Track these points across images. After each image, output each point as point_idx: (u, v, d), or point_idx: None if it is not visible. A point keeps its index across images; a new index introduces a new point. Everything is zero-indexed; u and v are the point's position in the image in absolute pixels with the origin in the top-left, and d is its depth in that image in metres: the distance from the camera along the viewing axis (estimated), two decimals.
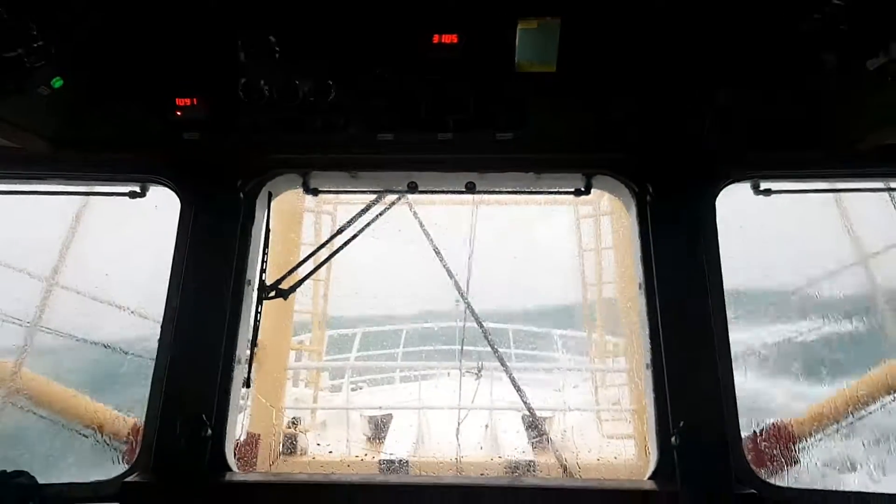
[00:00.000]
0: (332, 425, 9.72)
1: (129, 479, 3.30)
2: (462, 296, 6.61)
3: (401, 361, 11.74)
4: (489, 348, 6.24)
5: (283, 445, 8.39)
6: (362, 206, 4.26)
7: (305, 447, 8.64)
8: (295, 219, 8.49)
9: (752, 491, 3.21)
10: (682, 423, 3.29)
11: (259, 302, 3.73)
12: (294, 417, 8.93)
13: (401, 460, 7.72)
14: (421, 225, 6.20)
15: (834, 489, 3.40)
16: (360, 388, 11.11)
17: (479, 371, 8.72)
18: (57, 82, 3.18)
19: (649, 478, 3.36)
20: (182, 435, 3.35)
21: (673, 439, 3.29)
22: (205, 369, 3.47)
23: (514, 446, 8.58)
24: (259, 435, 7.94)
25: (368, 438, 9.19)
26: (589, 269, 10.25)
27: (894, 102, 3.12)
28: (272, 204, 3.90)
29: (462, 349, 8.66)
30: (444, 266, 6.19)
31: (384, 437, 8.99)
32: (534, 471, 6.89)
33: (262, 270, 3.78)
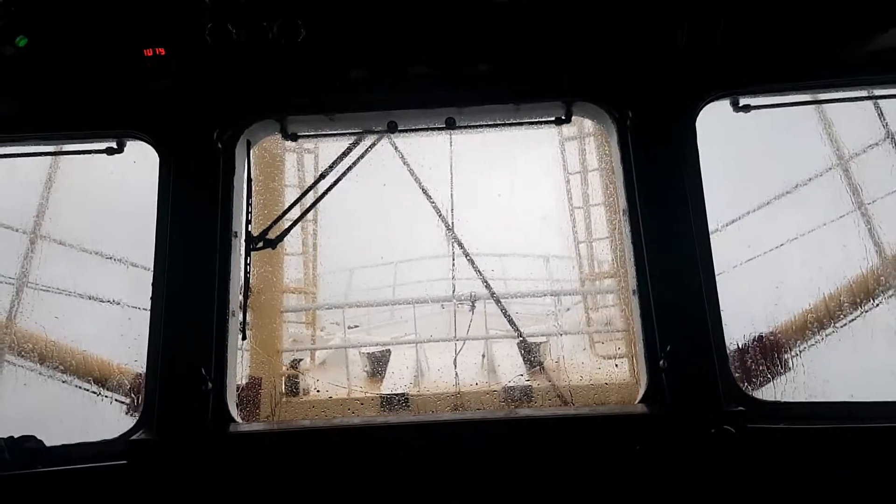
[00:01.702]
0: (332, 364, 9.88)
1: (134, 437, 3.38)
2: (448, 228, 6.64)
3: (395, 297, 11.85)
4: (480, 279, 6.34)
5: (285, 387, 8.54)
6: (344, 147, 4.21)
7: (308, 387, 8.80)
8: (276, 167, 8.36)
9: (741, 408, 3.32)
10: (669, 347, 3.36)
11: (247, 253, 3.73)
12: (294, 359, 9.05)
13: (402, 394, 7.91)
14: (405, 163, 6.15)
15: (820, 400, 3.52)
16: (357, 327, 11.24)
17: (473, 302, 8.81)
18: (21, 41, 3.10)
19: (640, 401, 3.46)
20: (183, 391, 3.41)
21: (661, 363, 3.37)
22: (200, 324, 3.49)
23: (511, 371, 8.77)
24: (261, 378, 8.06)
25: (368, 375, 9.37)
26: (575, 193, 10.21)
27: (870, 10, 3.08)
28: (252, 152, 3.85)
29: (454, 281, 8.74)
30: (429, 201, 6.20)
31: (384, 373, 9.16)
32: (530, 395, 7.10)
33: (248, 221, 3.76)
